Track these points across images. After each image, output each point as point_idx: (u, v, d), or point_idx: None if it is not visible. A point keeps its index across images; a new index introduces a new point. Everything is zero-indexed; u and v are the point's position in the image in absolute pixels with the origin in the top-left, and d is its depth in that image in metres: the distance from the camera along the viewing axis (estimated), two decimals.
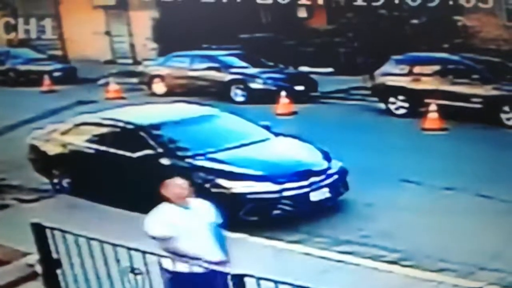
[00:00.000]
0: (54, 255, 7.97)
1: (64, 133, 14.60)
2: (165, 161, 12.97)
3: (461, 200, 13.12)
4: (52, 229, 7.82)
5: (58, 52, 24.32)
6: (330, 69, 21.69)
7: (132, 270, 7.48)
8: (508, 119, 18.01)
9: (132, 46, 24.44)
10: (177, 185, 7.81)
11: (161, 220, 7.64)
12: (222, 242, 7.79)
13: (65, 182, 14.26)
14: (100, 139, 13.95)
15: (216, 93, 20.78)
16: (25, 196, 14.04)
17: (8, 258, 9.09)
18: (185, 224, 7.59)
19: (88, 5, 23.69)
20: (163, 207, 7.75)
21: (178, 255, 7.47)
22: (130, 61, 24.47)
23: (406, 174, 14.26)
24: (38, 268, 8.37)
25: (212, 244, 7.65)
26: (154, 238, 7.59)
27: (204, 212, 7.82)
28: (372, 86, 20.17)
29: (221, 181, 12.45)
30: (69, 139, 14.38)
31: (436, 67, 19.18)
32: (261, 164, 12.77)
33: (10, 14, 22.36)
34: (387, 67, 19.65)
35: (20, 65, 23.54)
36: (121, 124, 13.84)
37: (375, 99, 20.01)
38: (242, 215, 12.27)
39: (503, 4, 19.53)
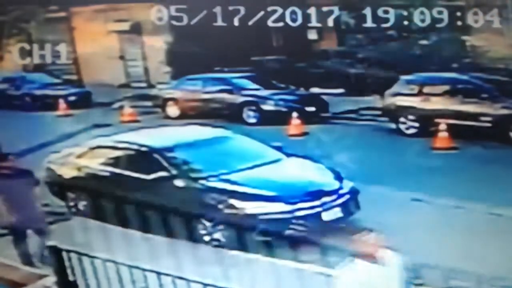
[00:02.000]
0: (71, 277, 8.08)
1: (79, 156, 14.81)
2: (179, 182, 13.14)
3: (471, 219, 13.19)
4: (69, 251, 7.95)
5: (73, 77, 24.36)
6: (340, 90, 21.74)
7: None
8: None
9: (146, 69, 24.53)
10: (364, 242, 7.03)
11: (351, 281, 6.88)
12: None
13: (81, 204, 14.43)
14: (115, 162, 14.16)
15: (228, 115, 20.84)
16: None
17: (25, 281, 9.18)
18: (377, 284, 6.85)
19: (102, 30, 23.84)
20: (354, 265, 7.01)
21: None
22: (144, 84, 24.54)
23: (416, 193, 14.33)
24: None
25: None
26: None
27: (399, 267, 7.05)
28: (383, 106, 20.21)
29: (234, 202, 12.59)
30: (85, 162, 14.58)
31: (446, 87, 19.19)
32: (274, 184, 12.92)
33: (25, 40, 22.52)
34: (397, 87, 19.66)
35: (35, 90, 23.64)
36: (135, 146, 14.04)
37: (386, 119, 20.04)
38: (255, 235, 12.40)
39: (511, 24, 19.57)
